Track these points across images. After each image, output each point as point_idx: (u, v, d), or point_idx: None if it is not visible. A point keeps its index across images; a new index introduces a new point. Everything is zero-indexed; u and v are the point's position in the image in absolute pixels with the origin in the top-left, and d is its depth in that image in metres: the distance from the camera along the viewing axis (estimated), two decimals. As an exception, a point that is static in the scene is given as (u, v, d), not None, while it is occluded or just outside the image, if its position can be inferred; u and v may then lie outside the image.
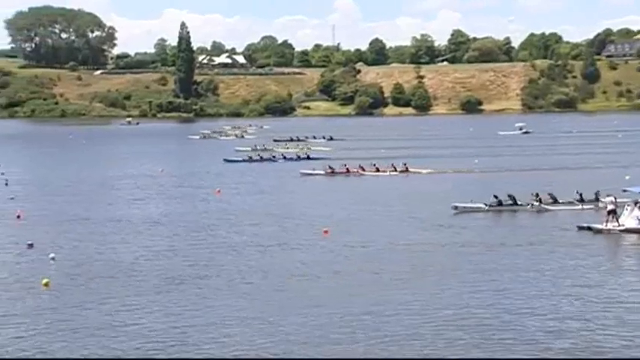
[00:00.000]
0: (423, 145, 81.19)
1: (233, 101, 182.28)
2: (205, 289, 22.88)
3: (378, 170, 52.08)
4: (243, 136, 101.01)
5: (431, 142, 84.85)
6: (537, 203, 35.78)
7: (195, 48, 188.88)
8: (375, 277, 24.16)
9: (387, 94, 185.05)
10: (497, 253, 27.33)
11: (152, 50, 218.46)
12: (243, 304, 21.18)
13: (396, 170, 52.04)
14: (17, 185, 49.22)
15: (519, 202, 35.57)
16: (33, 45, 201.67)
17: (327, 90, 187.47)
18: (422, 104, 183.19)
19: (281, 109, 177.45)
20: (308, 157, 63.58)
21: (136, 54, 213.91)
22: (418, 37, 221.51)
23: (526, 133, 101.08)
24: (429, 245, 28.92)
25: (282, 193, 45.02)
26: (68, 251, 28.71)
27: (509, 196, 35.74)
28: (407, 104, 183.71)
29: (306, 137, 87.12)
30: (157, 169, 58.19)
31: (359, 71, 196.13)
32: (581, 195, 36.44)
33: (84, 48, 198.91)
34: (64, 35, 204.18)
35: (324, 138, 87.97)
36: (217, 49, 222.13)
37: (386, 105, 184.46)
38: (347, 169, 52.42)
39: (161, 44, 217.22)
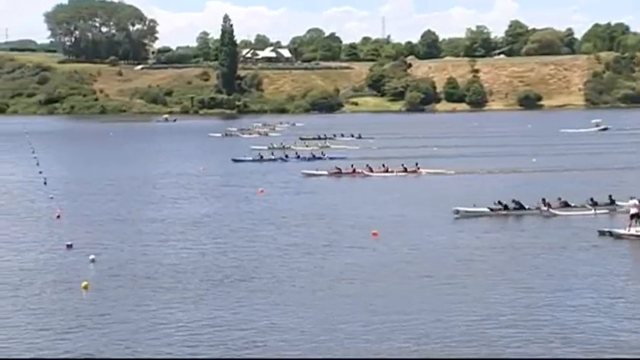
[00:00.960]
0: (471, 143, 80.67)
1: (278, 97, 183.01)
2: (251, 292, 23.06)
3: (387, 171, 52.13)
4: (267, 134, 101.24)
5: (481, 140, 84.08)
6: (545, 208, 36.00)
7: (238, 42, 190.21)
8: (428, 280, 24.26)
9: (439, 89, 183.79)
10: (517, 257, 26.96)
11: (194, 44, 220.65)
12: (291, 308, 21.28)
13: (406, 171, 51.98)
14: (56, 184, 50.17)
15: (527, 207, 36.06)
16: (73, 39, 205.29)
17: (376, 85, 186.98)
18: (477, 100, 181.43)
19: (327, 105, 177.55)
20: (323, 157, 63.18)
21: (178, 48, 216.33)
22: (473, 28, 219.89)
23: (604, 129, 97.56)
24: (476, 248, 29.02)
25: (328, 194, 45.04)
26: (108, 252, 29.15)
27: (514, 201, 36.31)
28: (461, 100, 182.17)
29: (334, 135, 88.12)
30: (199, 167, 58.65)
31: (410, 65, 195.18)
32: (592, 200, 36.62)
33: (124, 42, 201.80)
34: (104, 29, 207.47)
35: (352, 136, 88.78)
36: (261, 42, 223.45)
37: (438, 101, 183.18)
38: (353, 169, 52.47)
39: (203, 38, 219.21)
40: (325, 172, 52.03)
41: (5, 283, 24.73)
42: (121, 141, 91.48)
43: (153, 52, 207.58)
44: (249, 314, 20.92)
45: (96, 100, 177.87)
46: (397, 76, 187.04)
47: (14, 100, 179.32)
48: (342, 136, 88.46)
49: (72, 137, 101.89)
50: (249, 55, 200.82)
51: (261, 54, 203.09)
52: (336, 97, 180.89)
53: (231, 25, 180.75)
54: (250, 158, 63.39)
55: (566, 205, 36.40)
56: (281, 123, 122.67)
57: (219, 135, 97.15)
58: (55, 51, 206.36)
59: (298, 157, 63.68)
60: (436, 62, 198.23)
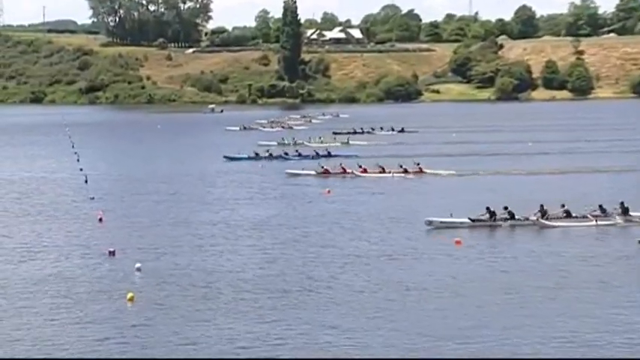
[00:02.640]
0: (572, 137, 78.76)
1: (347, 84, 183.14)
2: (318, 305, 23.20)
3: (383, 171, 53.09)
4: (292, 127, 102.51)
5: (584, 134, 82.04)
6: (536, 218, 35.57)
7: (302, 21, 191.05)
8: (524, 291, 24.32)
9: (536, 74, 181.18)
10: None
11: (252, 24, 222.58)
12: (361, 322, 21.37)
13: (407, 172, 52.75)
14: (98, 183, 51.22)
15: (517, 217, 35.75)
16: (116, 19, 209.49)
17: (460, 70, 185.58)
18: (581, 86, 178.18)
19: (404, 93, 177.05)
20: (329, 155, 64.03)
21: (234, 29, 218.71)
22: (577, 2, 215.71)
23: None
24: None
25: (404, 195, 45.01)
26: (155, 260, 29.66)
27: (506, 208, 35.90)
28: (561, 87, 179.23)
29: (372, 129, 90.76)
30: (258, 164, 58.91)
31: (501, 46, 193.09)
32: (601, 207, 36.28)
33: (174, 22, 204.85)
34: (151, 7, 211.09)
35: (393, 130, 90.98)
36: (329, 22, 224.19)
37: (535, 88, 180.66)
38: (343, 169, 53.58)
39: (263, 17, 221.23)
40: (313, 172, 53.47)
41: (43, 293, 25.39)
42: (169, 134, 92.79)
43: (206, 34, 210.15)
44: (315, 330, 20.88)
45: (142, 88, 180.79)
46: (486, 59, 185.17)
47: (52, 87, 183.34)
48: (382, 129, 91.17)
49: (116, 130, 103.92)
50: (314, 36, 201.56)
51: (329, 35, 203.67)
52: (414, 84, 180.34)
53: (295, 3, 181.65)
54: (246, 156, 63.30)
55: (568, 215, 36.09)
56: (323, 114, 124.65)
57: (236, 129, 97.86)
58: (97, 32, 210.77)
59: (300, 155, 63.68)
60: (532, 43, 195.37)
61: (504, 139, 77.99)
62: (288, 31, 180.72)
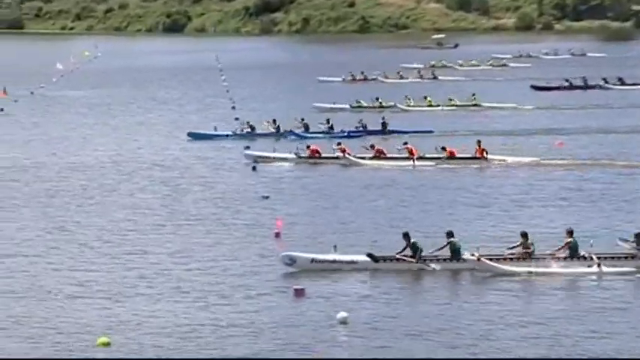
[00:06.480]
0: None
1: None
2: None
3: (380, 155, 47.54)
4: (437, 77, 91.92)
5: None
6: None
7: None
8: None
9: None
10: None
11: None
12: None
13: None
14: (269, 172, 45.74)
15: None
16: None
17: None
18: None
19: None
20: (386, 131, 55.76)
21: None
22: None
23: None
24: None
25: None
26: (369, 304, 24.88)
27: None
28: None
29: (584, 79, 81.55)
30: (554, 141, 52.48)
31: None
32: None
33: None
34: None
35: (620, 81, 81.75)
36: None
37: None
38: (343, 150, 47.33)
39: None
40: (286, 156, 47.70)
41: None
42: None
43: None
44: None
45: (351, 6, 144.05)
46: None
47: (199, 6, 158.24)
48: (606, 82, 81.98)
49: (306, 84, 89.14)
50: None
51: None
52: None
53: None
54: (229, 133, 55.76)
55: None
56: (546, 53, 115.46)
57: (338, 79, 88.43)
58: None
59: (325, 131, 55.23)
60: None
61: None
62: None
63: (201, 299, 25.46)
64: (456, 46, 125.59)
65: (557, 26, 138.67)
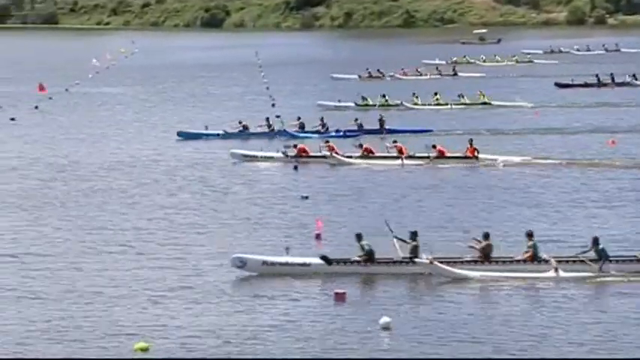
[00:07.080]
0: None
1: None
2: None
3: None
4: (457, 74, 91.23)
5: None
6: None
7: None
8: None
9: None
10: None
11: None
12: None
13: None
14: (312, 169, 45.75)
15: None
16: None
17: None
18: None
19: None
20: (383, 130, 55.04)
21: None
22: None
23: None
24: None
25: None
26: (416, 312, 24.51)
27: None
28: None
29: (598, 78, 79.51)
30: (607, 139, 51.56)
31: None
32: None
33: None
34: None
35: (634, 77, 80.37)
36: None
37: None
38: (331, 148, 47.27)
39: None
40: (274, 154, 47.54)
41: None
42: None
43: None
44: None
45: (394, 0, 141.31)
46: None
47: (239, 0, 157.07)
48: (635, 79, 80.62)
49: (340, 82, 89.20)
50: None
51: None
52: None
53: None
54: (219, 132, 55.13)
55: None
56: (577, 49, 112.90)
57: (354, 77, 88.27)
58: None
59: (320, 131, 54.16)
60: None
61: None
62: None
63: (242, 302, 24.92)
64: (499, 41, 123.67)
65: (611, 20, 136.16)
